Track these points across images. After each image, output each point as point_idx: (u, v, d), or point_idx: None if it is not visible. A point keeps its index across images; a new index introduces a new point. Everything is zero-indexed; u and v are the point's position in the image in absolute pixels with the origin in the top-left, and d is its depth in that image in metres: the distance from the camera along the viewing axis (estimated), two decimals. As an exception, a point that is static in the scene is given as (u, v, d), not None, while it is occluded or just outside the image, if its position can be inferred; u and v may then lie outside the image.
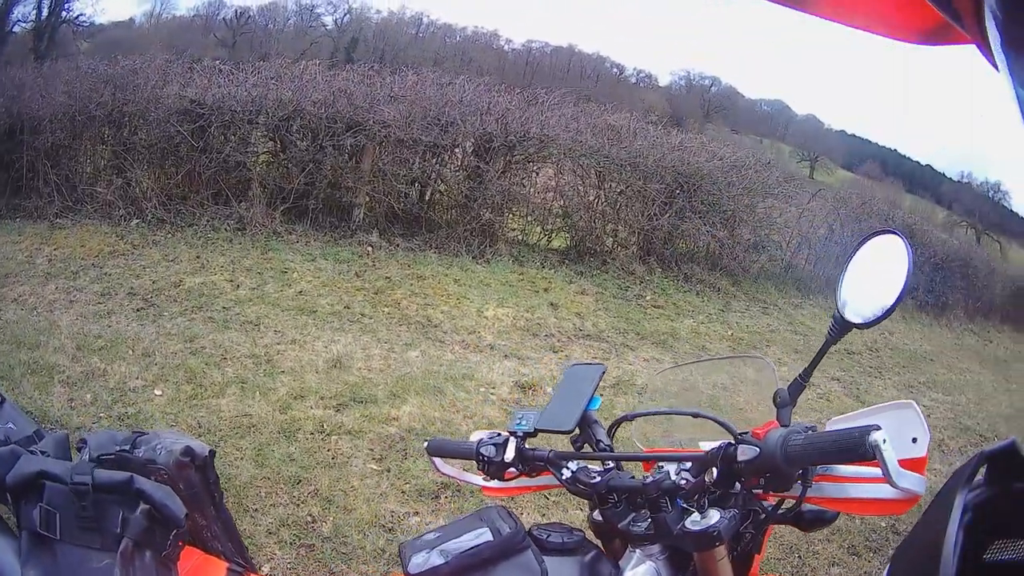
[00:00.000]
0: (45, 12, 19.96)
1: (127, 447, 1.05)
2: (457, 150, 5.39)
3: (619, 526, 0.98)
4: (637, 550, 0.98)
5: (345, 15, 23.55)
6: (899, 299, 0.84)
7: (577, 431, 1.08)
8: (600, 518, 1.02)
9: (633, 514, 0.99)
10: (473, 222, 5.35)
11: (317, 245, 5.35)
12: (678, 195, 5.72)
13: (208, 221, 5.48)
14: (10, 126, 6.11)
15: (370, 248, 5.36)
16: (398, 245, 5.38)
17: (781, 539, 2.70)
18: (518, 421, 1.10)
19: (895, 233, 0.89)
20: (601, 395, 1.09)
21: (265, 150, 5.50)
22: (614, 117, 5.89)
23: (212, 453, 1.12)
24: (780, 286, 6.38)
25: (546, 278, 5.42)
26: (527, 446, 1.06)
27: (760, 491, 0.90)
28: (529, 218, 5.57)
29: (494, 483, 1.13)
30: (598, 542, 1.03)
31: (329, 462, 2.63)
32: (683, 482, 0.93)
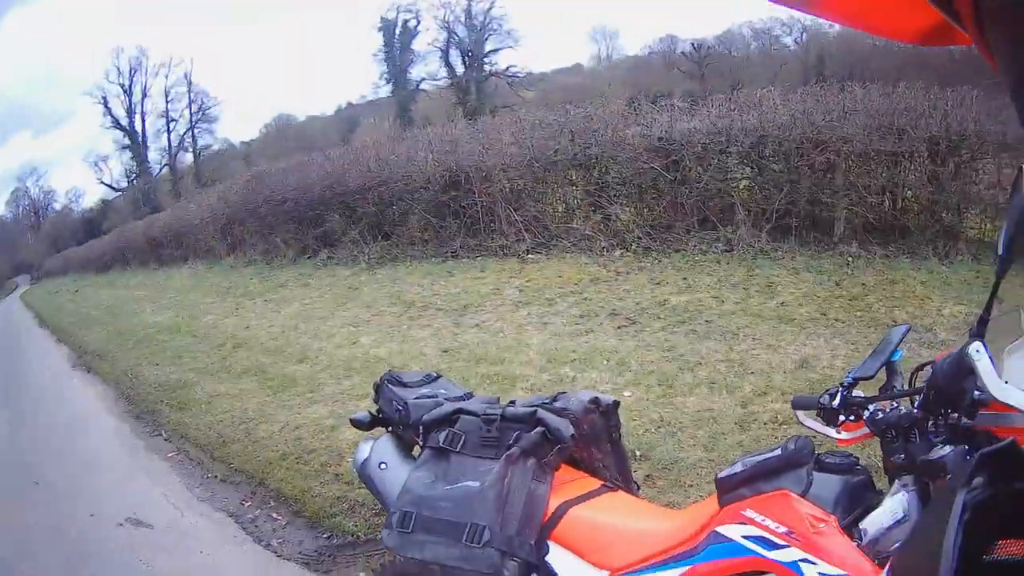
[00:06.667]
0: (460, 69, 21.11)
1: (547, 400, 1.41)
2: (915, 156, 6.04)
3: (892, 459, 1.13)
4: (897, 481, 1.14)
5: (802, 32, 23.56)
6: None
7: (885, 379, 1.26)
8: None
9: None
10: (936, 225, 6.00)
11: (801, 260, 5.94)
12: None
13: (696, 245, 6.28)
14: (450, 178, 7.09)
15: (849, 258, 6.04)
16: (875, 253, 5.96)
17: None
18: (848, 376, 1.28)
19: None
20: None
21: (743, 176, 6.33)
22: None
23: (616, 403, 1.45)
24: None
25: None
26: (853, 395, 1.23)
27: (947, 414, 1.04)
28: (983, 216, 6.22)
29: (844, 435, 1.29)
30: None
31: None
32: (915, 412, 1.10)
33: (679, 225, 6.37)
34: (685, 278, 5.62)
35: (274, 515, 2.99)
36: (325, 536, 2.73)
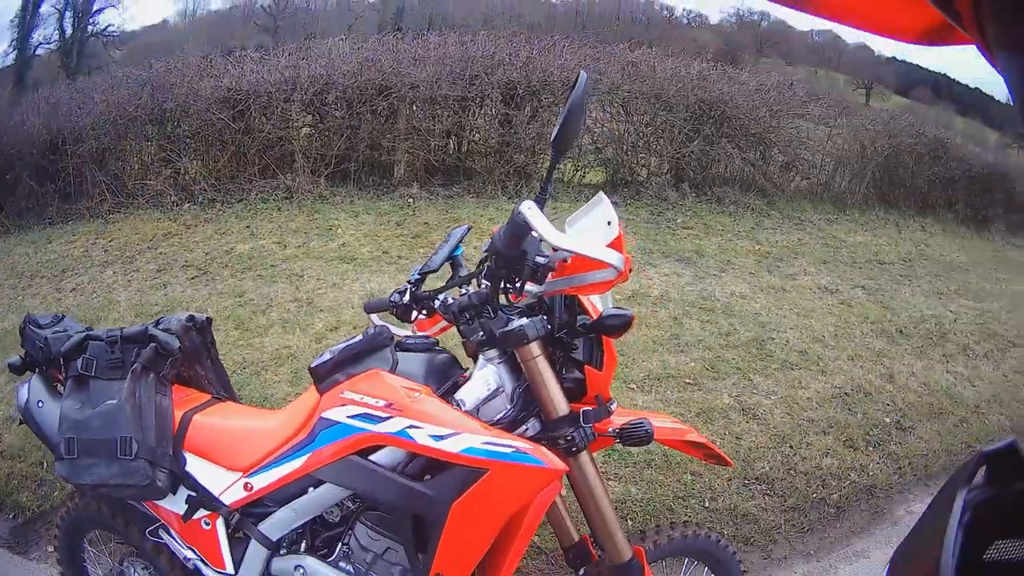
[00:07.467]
0: (68, 31, 21.59)
1: (152, 324, 1.54)
2: (487, 101, 5.86)
3: (471, 339, 1.24)
4: (481, 356, 1.25)
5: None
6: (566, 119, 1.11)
7: (450, 273, 1.40)
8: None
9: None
10: (507, 166, 5.83)
11: (361, 203, 5.79)
12: (705, 122, 6.11)
13: (257, 194, 5.96)
14: (50, 141, 6.73)
15: (411, 199, 5.80)
16: (438, 194, 5.85)
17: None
18: (413, 273, 1.41)
19: (583, 71, 1.14)
20: (465, 246, 1.46)
21: (305, 124, 6.02)
22: (634, 54, 6.34)
23: (209, 320, 1.64)
24: (816, 203, 6.66)
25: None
26: (421, 291, 1.38)
27: (512, 280, 1.17)
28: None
29: (421, 334, 1.42)
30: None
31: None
32: (483, 287, 1.22)
33: (242, 175, 6.11)
34: (248, 226, 5.57)
35: (-30, 507, 3.04)
36: (12, 517, 2.74)
